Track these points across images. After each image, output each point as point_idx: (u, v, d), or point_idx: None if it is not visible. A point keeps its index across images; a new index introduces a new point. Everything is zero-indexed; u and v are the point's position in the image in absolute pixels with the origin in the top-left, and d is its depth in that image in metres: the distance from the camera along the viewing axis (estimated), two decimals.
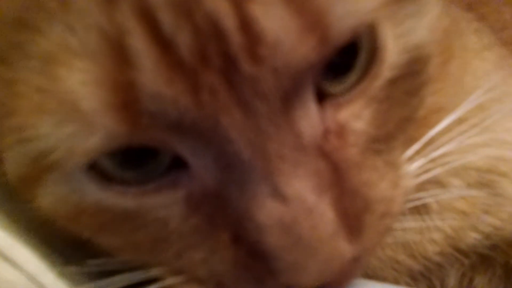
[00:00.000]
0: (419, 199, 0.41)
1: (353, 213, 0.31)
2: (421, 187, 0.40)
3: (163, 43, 0.26)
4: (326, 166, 0.30)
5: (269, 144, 0.28)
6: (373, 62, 0.31)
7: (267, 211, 0.29)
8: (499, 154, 0.44)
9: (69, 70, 0.27)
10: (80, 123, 0.28)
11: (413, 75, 0.34)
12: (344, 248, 0.30)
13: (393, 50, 0.32)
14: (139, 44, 0.26)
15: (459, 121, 0.40)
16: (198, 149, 0.29)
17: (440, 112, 0.41)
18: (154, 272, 0.35)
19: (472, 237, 0.44)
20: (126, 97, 0.27)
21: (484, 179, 0.44)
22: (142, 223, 0.32)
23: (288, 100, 0.28)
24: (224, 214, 0.30)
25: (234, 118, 0.28)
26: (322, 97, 0.31)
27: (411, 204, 0.41)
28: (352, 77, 0.32)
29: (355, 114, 0.32)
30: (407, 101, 0.34)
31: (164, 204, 0.31)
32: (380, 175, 0.33)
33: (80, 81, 0.27)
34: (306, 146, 0.29)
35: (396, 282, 0.45)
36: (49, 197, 0.32)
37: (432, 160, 0.39)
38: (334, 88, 0.31)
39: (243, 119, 0.28)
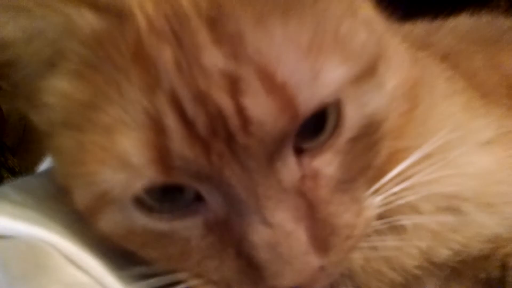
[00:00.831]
0: (396, 220, 0.44)
1: (322, 236, 0.37)
2: (397, 210, 0.43)
3: (187, 122, 0.33)
4: (302, 203, 0.36)
5: (258, 188, 0.35)
6: (338, 124, 0.37)
7: (258, 234, 0.35)
8: (463, 183, 0.46)
9: (123, 136, 0.34)
10: (131, 173, 0.34)
11: (369, 134, 0.39)
12: (313, 262, 0.36)
13: (352, 116, 0.37)
14: (171, 122, 0.33)
15: (426, 156, 0.43)
16: (211, 190, 0.36)
17: (406, 151, 0.44)
18: (180, 276, 0.40)
19: (443, 253, 0.46)
20: (162, 156, 0.34)
21: (450, 203, 0.46)
22: (172, 240, 0.38)
23: (271, 157, 0.35)
24: (230, 235, 0.37)
25: (234, 172, 0.35)
26: (300, 149, 0.37)
27: (388, 224, 0.44)
28: (324, 135, 0.37)
29: (326, 162, 0.37)
30: (366, 153, 0.39)
31: (188, 227, 0.38)
32: (345, 208, 0.38)
33: (131, 144, 0.34)
34: (286, 189, 0.36)
35: None
36: (107, 223, 0.39)
37: (404, 189, 0.42)
38: (310, 143, 0.37)
39: (240, 172, 0.35)
